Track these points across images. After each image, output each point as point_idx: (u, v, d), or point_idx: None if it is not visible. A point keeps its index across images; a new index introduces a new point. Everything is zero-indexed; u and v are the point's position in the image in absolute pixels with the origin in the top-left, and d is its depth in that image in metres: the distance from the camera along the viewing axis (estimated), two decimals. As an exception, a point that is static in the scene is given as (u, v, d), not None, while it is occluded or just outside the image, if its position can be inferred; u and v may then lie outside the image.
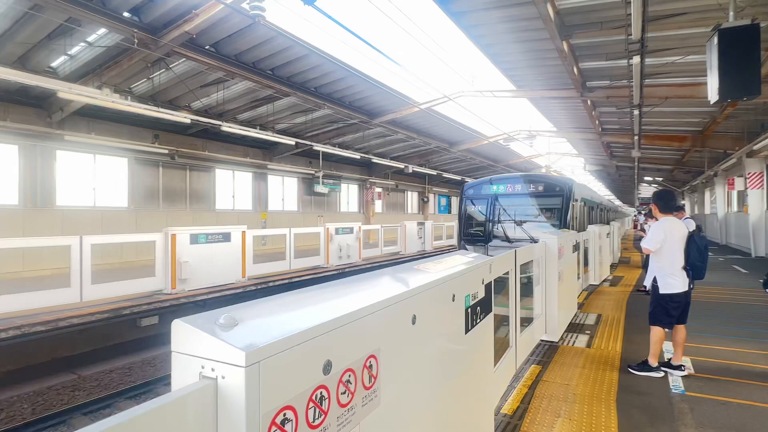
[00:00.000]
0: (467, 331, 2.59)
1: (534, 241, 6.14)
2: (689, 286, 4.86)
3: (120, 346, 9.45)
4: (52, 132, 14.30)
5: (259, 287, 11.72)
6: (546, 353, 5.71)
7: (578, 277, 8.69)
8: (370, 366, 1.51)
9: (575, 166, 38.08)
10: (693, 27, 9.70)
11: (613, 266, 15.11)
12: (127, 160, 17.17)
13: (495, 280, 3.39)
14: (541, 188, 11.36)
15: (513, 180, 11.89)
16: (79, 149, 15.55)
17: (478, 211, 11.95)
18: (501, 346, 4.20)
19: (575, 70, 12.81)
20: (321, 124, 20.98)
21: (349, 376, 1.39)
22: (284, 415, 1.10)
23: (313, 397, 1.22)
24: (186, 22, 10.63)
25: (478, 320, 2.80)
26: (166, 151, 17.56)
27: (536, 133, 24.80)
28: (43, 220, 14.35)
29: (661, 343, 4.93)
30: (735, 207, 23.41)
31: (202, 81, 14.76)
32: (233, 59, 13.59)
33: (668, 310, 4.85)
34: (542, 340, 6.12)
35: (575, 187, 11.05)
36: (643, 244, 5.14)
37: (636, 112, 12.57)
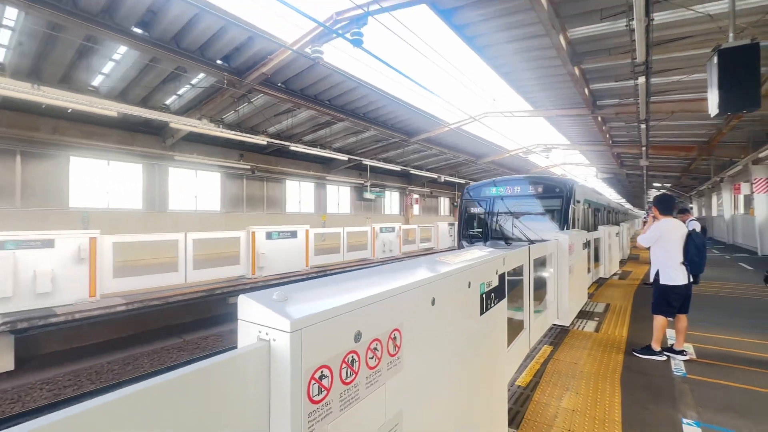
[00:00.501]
0: (482, 313, 2.55)
1: (531, 242, 6.34)
2: (689, 279, 4.47)
3: (213, 318, 10.04)
4: (166, 153, 15.48)
5: (318, 274, 12.00)
6: (558, 336, 5.46)
7: (588, 271, 8.22)
8: (395, 338, 1.54)
9: (588, 175, 35.97)
10: (697, 48, 8.92)
11: (622, 262, 14.13)
12: (220, 174, 18.25)
13: (513, 270, 3.29)
14: (540, 189, 9.34)
15: (513, 182, 9.73)
16: (185, 166, 16.73)
17: (477, 212, 10.08)
18: (516, 329, 4.07)
19: (586, 91, 12.14)
20: (369, 143, 21.24)
21: (376, 344, 1.42)
22: (322, 372, 1.15)
23: (346, 359, 1.26)
24: (263, 65, 11.14)
25: (492, 305, 2.74)
26: (249, 167, 18.53)
27: (551, 147, 23.69)
28: (160, 221, 15.58)
29: (663, 330, 4.57)
30: (741, 209, 21.14)
31: (276, 111, 15.40)
32: (299, 93, 14.08)
33: (669, 301, 4.49)
34: (554, 324, 5.84)
35: (576, 188, 9.26)
36: (639, 239, 4.86)
37: (643, 126, 11.70)
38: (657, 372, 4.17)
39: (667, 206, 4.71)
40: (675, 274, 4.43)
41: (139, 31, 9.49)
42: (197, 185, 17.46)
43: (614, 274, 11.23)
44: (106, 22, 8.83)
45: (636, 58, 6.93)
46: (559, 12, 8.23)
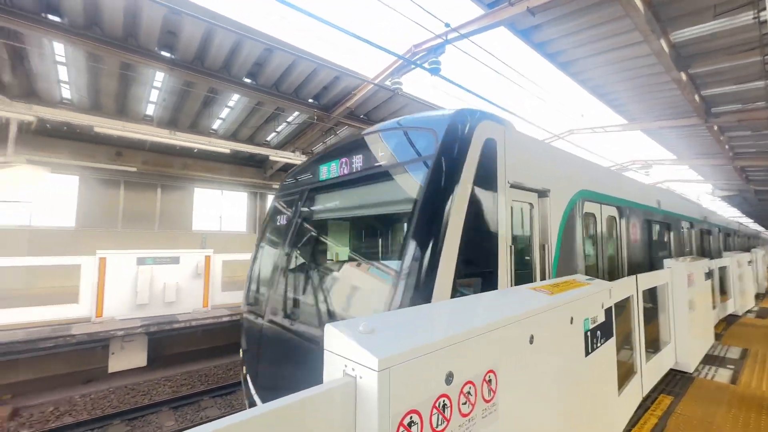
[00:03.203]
0: (587, 354, 2.15)
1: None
2: None
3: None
4: (266, 183, 17.28)
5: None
6: (679, 384, 4.45)
7: (713, 306, 6.71)
8: (489, 380, 1.32)
9: (700, 193, 30.42)
10: None
11: (758, 297, 11.35)
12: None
13: (617, 304, 2.77)
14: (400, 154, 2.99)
15: (348, 148, 3.57)
16: (281, 193, 18.48)
17: (271, 242, 4.39)
18: (625, 372, 3.40)
19: (696, 98, 10.40)
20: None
21: (470, 388, 1.23)
22: (411, 418, 1.01)
23: (437, 404, 1.10)
24: (348, 100, 11.88)
25: (599, 344, 2.30)
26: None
27: (652, 163, 20.67)
28: (258, 242, 17.30)
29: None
30: None
31: (358, 141, 16.21)
32: (380, 122, 14.66)
33: None
34: (672, 369, 4.80)
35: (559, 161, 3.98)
36: None
37: (779, 133, 9.52)
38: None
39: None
40: None
41: (248, 80, 10.93)
42: (290, 210, 19.11)
43: (748, 311, 9.02)
44: (224, 76, 10.35)
45: (768, 55, 5.70)
46: (659, 15, 7.27)
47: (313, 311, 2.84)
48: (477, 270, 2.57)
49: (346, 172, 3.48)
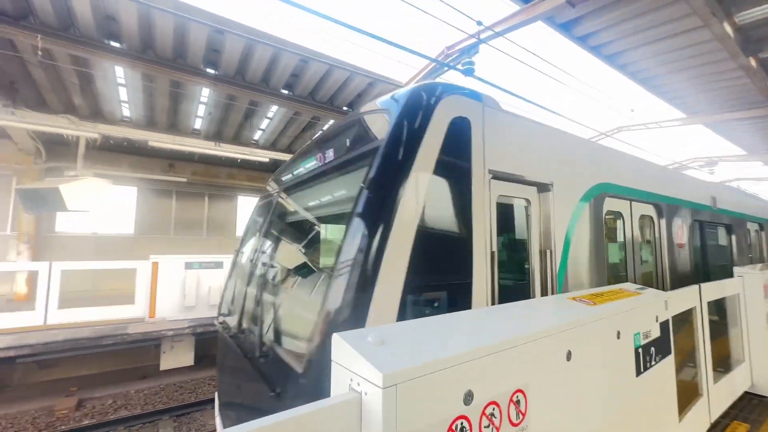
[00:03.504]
0: (639, 373, 1.90)
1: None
2: None
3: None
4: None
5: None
6: (756, 410, 3.89)
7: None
8: (518, 401, 1.18)
9: (778, 191, 27.01)
10: None
11: None
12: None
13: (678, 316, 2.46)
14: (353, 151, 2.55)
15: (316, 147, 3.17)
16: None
17: (242, 251, 4.32)
18: (687, 394, 3.01)
19: (770, 85, 9.26)
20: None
21: (494, 409, 1.10)
22: (422, 441, 0.91)
23: (454, 427, 0.98)
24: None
25: (653, 362, 2.03)
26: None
27: (717, 159, 18.70)
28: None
29: None
30: None
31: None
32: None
33: None
34: (747, 392, 4.21)
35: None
36: None
37: None
38: None
39: None
40: None
41: (285, 91, 11.35)
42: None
43: None
44: (263, 88, 10.82)
45: None
46: (721, -4, 6.57)
47: (259, 325, 2.48)
48: (441, 282, 2.06)
49: (303, 171, 3.18)
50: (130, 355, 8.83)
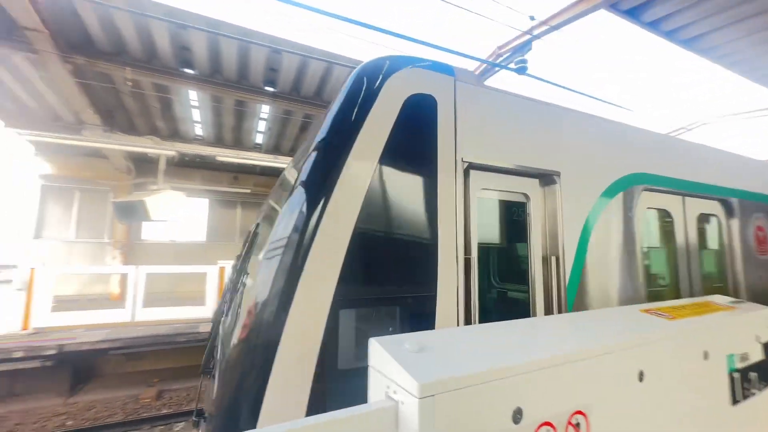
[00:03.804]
0: (735, 401, 1.61)
1: None
2: None
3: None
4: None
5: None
6: None
7: None
8: (578, 424, 1.05)
9: None
10: None
11: None
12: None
13: None
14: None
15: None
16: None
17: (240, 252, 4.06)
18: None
19: None
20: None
21: (548, 431, 0.99)
22: (463, 460, 0.83)
23: (501, 447, 0.90)
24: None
25: (754, 390, 1.71)
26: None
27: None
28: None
29: None
30: None
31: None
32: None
33: None
34: None
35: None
36: None
37: None
38: None
39: None
40: None
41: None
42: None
43: None
44: (317, 101, 11.36)
45: None
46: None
47: (229, 331, 2.04)
48: (391, 295, 1.68)
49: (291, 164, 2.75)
50: (201, 352, 9.63)
